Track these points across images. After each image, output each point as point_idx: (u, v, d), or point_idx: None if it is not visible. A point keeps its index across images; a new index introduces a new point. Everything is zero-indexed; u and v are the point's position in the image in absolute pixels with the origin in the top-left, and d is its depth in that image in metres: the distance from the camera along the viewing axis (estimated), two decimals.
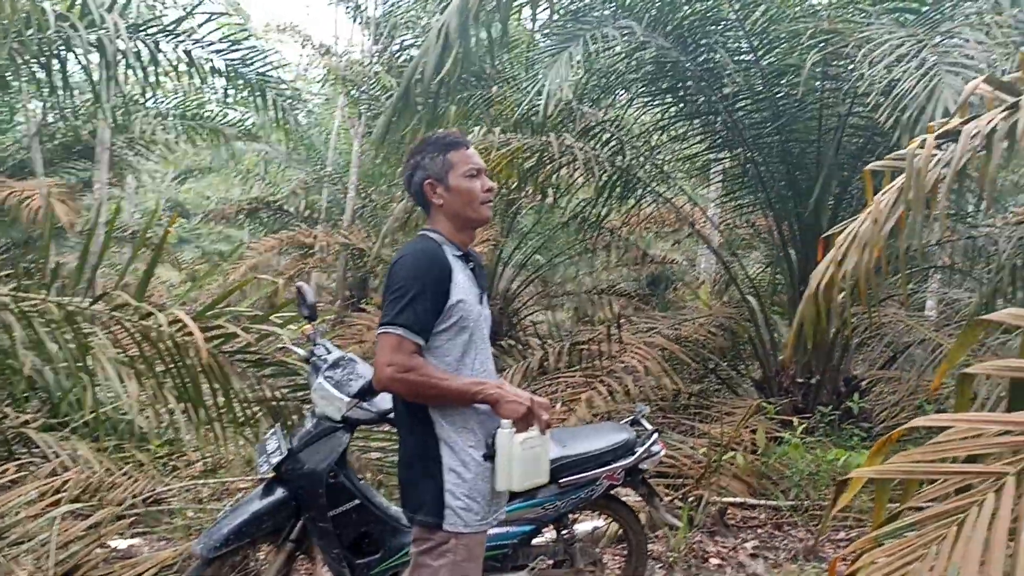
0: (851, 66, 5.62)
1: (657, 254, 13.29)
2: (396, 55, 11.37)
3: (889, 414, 6.22)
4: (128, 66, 5.80)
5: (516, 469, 2.24)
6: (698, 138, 7.56)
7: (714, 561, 4.29)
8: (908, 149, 2.73)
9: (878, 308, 7.40)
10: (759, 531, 4.78)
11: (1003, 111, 2.63)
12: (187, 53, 6.28)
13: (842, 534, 4.70)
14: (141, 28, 6.00)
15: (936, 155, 2.87)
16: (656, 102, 7.42)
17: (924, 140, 2.74)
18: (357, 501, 2.98)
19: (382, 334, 2.18)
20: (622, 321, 7.46)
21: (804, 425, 5.57)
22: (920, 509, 1.33)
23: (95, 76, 5.85)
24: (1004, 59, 4.86)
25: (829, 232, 3.34)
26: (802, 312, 3.32)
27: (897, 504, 1.42)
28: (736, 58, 6.58)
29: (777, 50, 6.49)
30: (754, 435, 5.35)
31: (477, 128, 5.98)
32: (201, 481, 4.93)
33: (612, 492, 3.42)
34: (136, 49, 5.83)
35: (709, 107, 6.91)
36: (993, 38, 5.10)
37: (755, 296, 7.39)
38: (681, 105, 7.26)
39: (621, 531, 3.58)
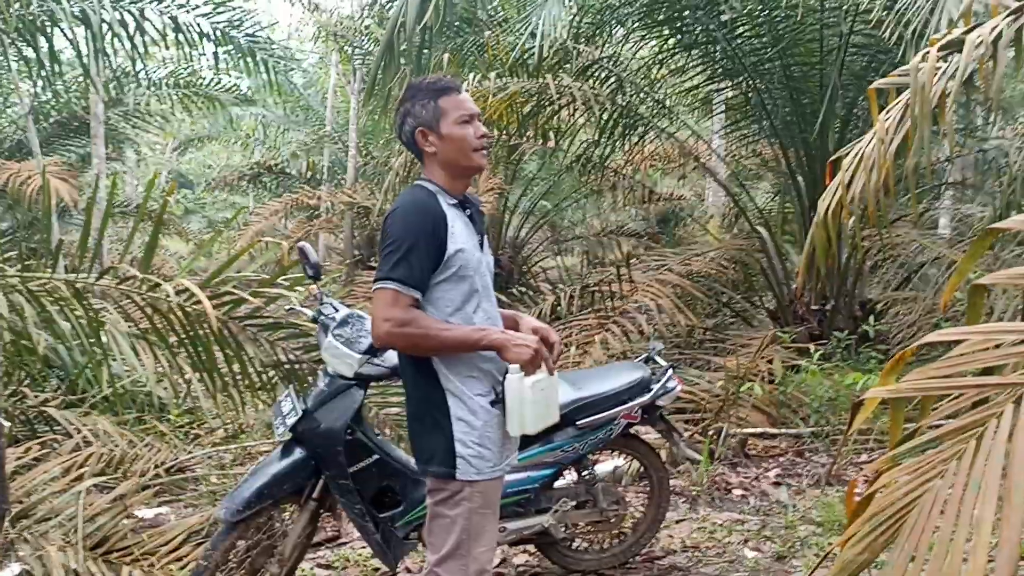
0: None
1: (664, 191, 13.19)
2: (387, 7, 11.18)
3: (906, 335, 6.18)
4: (115, 36, 5.72)
5: (528, 413, 2.23)
6: (698, 69, 7.42)
7: (737, 492, 4.31)
8: (912, 64, 2.65)
9: (890, 229, 7.33)
10: (781, 459, 4.79)
11: (1007, 16, 2.54)
12: (173, 19, 6.18)
13: (864, 456, 4.70)
14: None
15: (941, 68, 2.79)
16: (653, 35, 7.28)
17: (927, 53, 2.66)
18: (376, 456, 3.00)
19: (378, 290, 2.15)
20: (632, 261, 7.42)
21: (821, 352, 5.55)
22: (938, 426, 1.31)
23: (83, 50, 5.78)
24: None
25: (836, 155, 3.27)
26: (812, 239, 3.28)
27: (915, 423, 1.39)
28: None
29: None
30: (771, 365, 5.34)
31: (472, 75, 5.88)
32: (223, 447, 4.97)
33: (631, 431, 3.42)
34: (121, 19, 5.73)
35: (708, 36, 6.78)
36: None
37: (765, 226, 7.32)
38: (679, 36, 7.11)
39: (642, 469, 3.59)
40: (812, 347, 5.56)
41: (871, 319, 6.25)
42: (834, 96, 6.23)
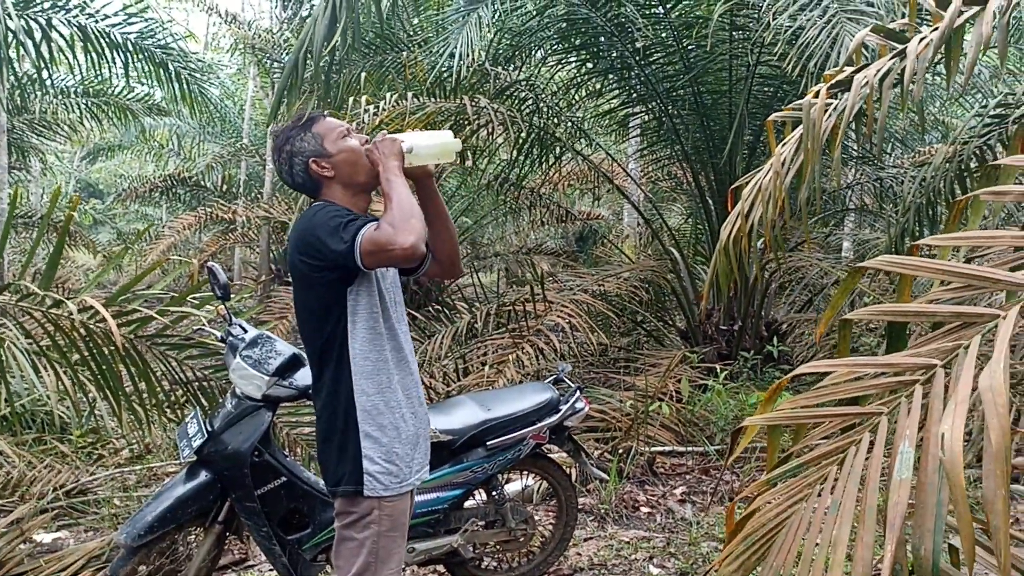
0: (757, 16, 5.70)
1: (582, 211, 13.38)
2: (306, 20, 11.12)
3: (807, 355, 6.43)
4: (20, 44, 5.56)
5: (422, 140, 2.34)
6: (614, 93, 7.60)
7: (644, 509, 4.41)
8: (805, 100, 2.80)
9: (796, 252, 7.61)
10: (687, 477, 4.92)
11: (891, 59, 2.71)
12: (81, 29, 6.04)
13: (765, 475, 4.86)
14: (31, 4, 5.74)
15: (832, 103, 2.95)
16: (571, 59, 7.42)
17: (819, 90, 2.81)
18: (284, 478, 2.98)
19: (363, 240, 2.11)
20: (547, 280, 7.52)
21: (727, 371, 5.73)
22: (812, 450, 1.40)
23: None
24: (902, 5, 5.00)
25: (737, 184, 3.41)
26: (714, 264, 3.40)
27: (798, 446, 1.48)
28: (646, 12, 6.61)
29: (685, 2, 6.55)
30: (679, 384, 5.49)
31: (390, 94, 5.90)
32: (127, 468, 4.85)
33: (540, 451, 3.49)
34: (27, 27, 5.57)
35: (622, 62, 6.95)
36: None
37: (677, 247, 7.53)
38: (595, 61, 7.27)
39: (551, 488, 3.65)
40: (719, 367, 5.73)
41: (775, 340, 6.47)
42: (742, 124, 6.46)
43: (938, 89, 8.33)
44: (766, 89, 6.74)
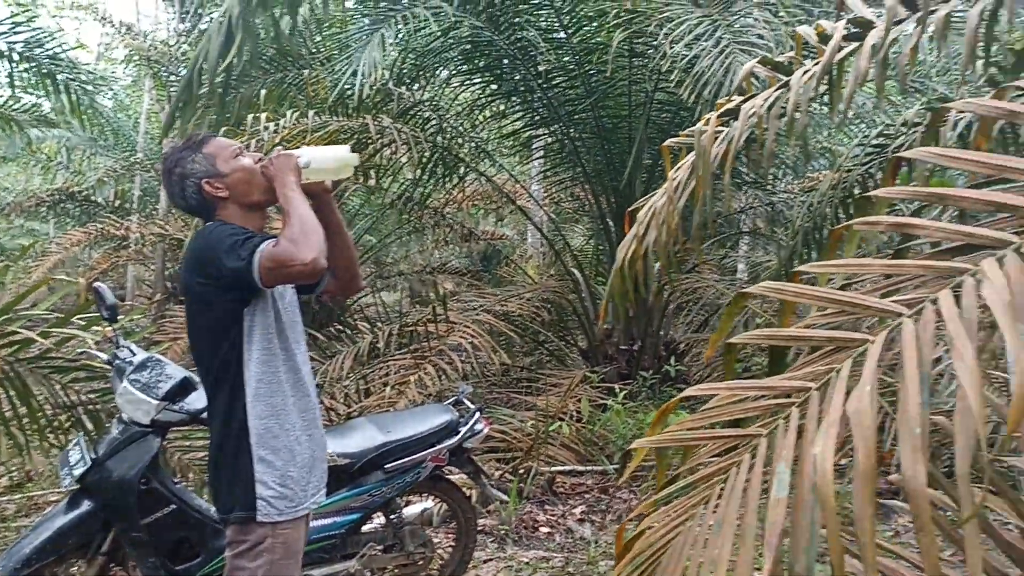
0: (656, 44, 5.86)
1: (486, 231, 13.43)
2: (205, 32, 10.87)
3: (703, 375, 6.59)
4: None
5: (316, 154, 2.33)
6: (517, 115, 7.68)
7: (544, 529, 4.43)
8: (696, 127, 2.88)
9: (694, 273, 7.81)
10: (587, 496, 4.97)
11: (777, 90, 2.82)
12: None
13: (663, 494, 4.95)
14: None
15: (724, 131, 3.05)
16: (475, 80, 7.47)
17: (710, 118, 2.90)
18: (173, 506, 2.89)
19: (263, 257, 2.06)
20: (449, 300, 7.51)
21: (626, 391, 5.82)
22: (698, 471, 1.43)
23: None
24: (791, 39, 5.22)
25: (633, 206, 3.48)
26: (611, 286, 3.46)
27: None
28: (548, 36, 6.71)
29: (586, 28, 6.68)
30: (580, 404, 5.55)
31: (291, 111, 5.82)
32: (6, 497, 4.61)
33: (439, 473, 3.47)
34: None
35: (525, 84, 7.02)
36: (780, 18, 5.46)
37: (579, 268, 7.63)
38: (499, 83, 7.34)
39: (451, 510, 3.64)
40: (618, 386, 5.82)
41: (673, 359, 6.62)
42: (641, 147, 6.60)
43: (825, 118, 8.71)
44: (664, 115, 6.92)
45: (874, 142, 5.15)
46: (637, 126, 6.67)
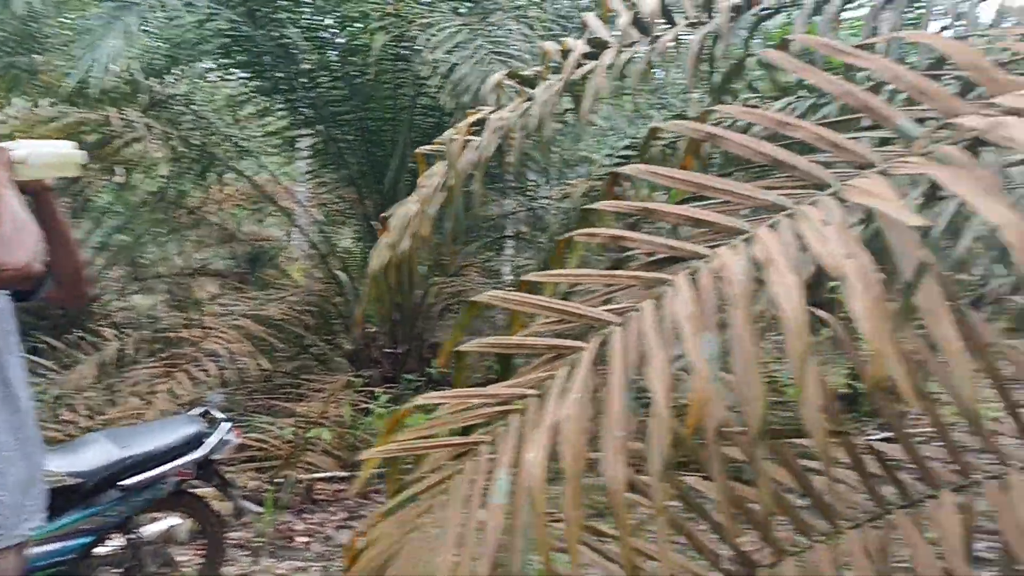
0: (417, 49, 5.89)
1: (251, 231, 12.93)
2: None
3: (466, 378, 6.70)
4: None
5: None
6: (281, 114, 7.45)
7: (301, 539, 4.34)
8: (447, 135, 2.93)
9: (459, 276, 7.94)
10: (348, 503, 4.91)
11: (524, 101, 2.92)
12: None
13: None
14: None
15: (474, 140, 3.12)
16: (234, 76, 7.17)
17: (461, 126, 2.96)
18: None
19: None
20: (209, 304, 7.18)
21: (390, 395, 5.80)
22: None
23: None
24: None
25: (386, 213, 3.48)
26: (367, 292, 3.44)
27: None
28: (311, 35, 6.57)
29: (349, 29, 6.60)
30: (342, 409, 5.47)
31: (20, 101, 5.31)
32: None
33: (184, 488, 3.30)
34: None
35: (288, 83, 6.84)
36: (536, 31, 5.68)
37: (344, 270, 7.52)
38: (260, 80, 7.09)
39: (199, 526, 3.47)
40: (382, 390, 5.80)
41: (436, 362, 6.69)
42: (405, 152, 6.63)
43: (583, 129, 9.15)
44: (428, 119, 6.98)
45: (621, 153, 5.48)
46: (401, 130, 6.68)
